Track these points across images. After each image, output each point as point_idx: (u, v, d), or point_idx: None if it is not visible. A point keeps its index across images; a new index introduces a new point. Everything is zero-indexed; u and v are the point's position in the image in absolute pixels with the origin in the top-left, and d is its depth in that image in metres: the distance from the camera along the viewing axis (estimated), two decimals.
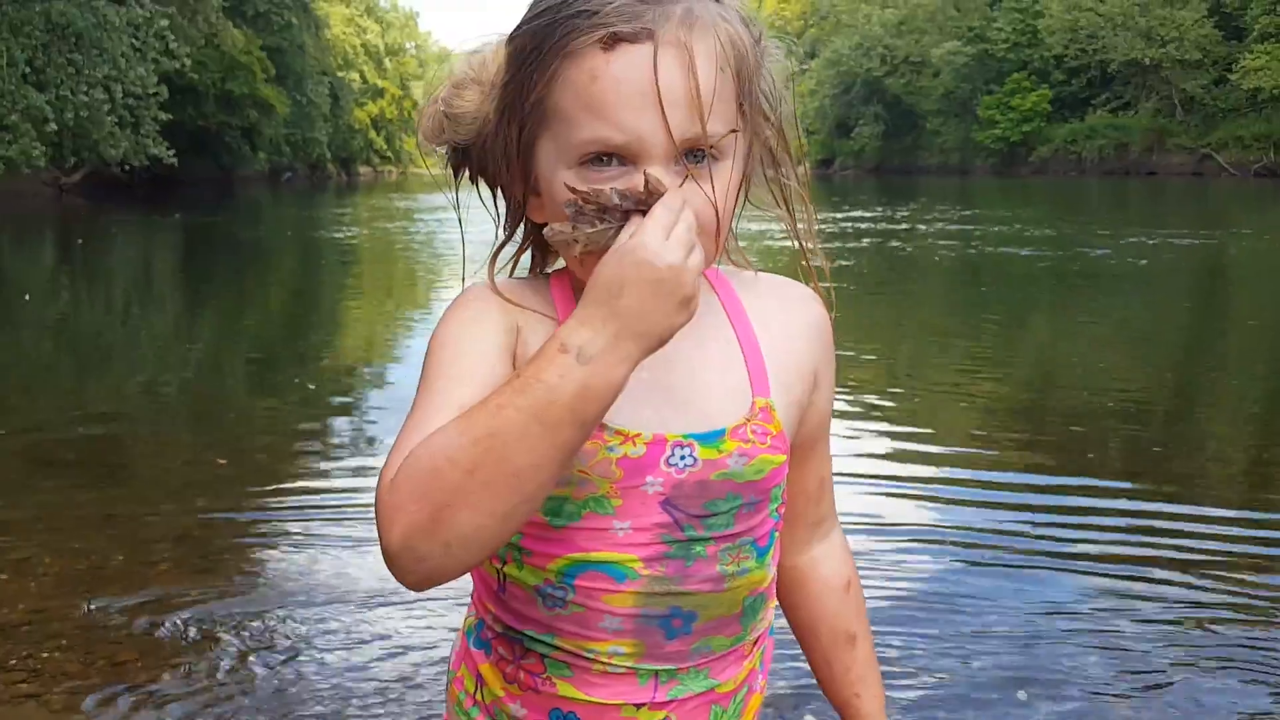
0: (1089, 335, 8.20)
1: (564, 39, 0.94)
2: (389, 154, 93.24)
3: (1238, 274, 12.31)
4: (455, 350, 0.99)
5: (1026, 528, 3.72)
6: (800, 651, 1.23)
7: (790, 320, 1.11)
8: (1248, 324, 9.13)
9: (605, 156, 0.94)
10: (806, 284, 1.14)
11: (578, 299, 0.90)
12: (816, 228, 1.11)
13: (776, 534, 1.09)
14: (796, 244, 1.10)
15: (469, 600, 1.15)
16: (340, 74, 72.93)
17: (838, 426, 5.03)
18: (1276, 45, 48.62)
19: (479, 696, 1.10)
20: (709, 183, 0.95)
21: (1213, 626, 2.94)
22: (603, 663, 1.02)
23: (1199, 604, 3.09)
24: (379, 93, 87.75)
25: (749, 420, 1.04)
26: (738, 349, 1.07)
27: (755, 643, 1.10)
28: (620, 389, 0.86)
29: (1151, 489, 4.16)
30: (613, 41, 0.93)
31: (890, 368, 7.01)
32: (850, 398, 5.72)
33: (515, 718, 1.06)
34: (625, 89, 0.92)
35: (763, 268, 1.15)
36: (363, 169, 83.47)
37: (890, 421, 5.37)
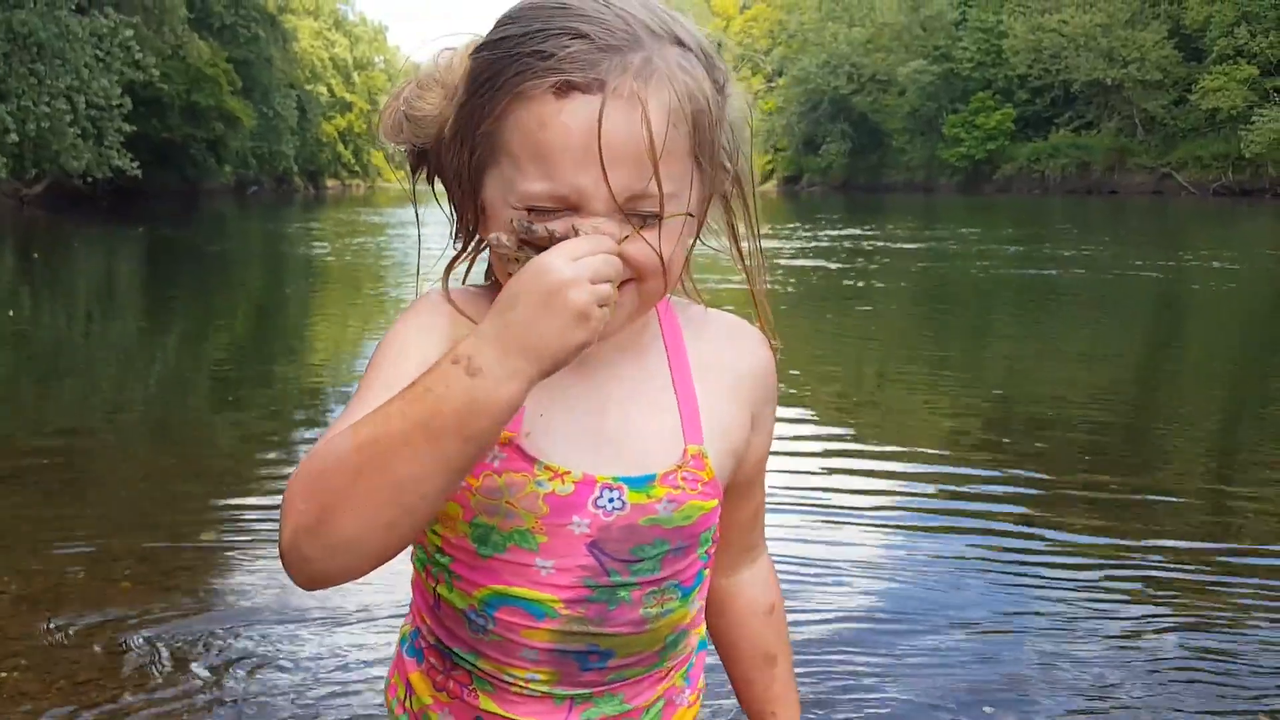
0: (1052, 352, 8.31)
1: (517, 78, 0.92)
2: (357, 168, 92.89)
3: (1196, 293, 12.49)
4: (395, 357, 0.99)
5: (985, 548, 3.76)
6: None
7: (734, 366, 1.10)
8: (1206, 344, 9.27)
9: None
10: (753, 324, 1.14)
11: None
12: (767, 281, 1.11)
13: (705, 573, 1.10)
14: (751, 294, 1.10)
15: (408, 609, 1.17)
16: (308, 87, 72.60)
17: (797, 444, 5.07)
18: (1234, 67, 49.46)
19: (408, 704, 1.11)
20: (654, 234, 0.94)
21: (1174, 643, 2.98)
22: (520, 686, 1.04)
23: (1160, 620, 3.13)
24: (347, 106, 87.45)
25: (680, 467, 1.03)
26: (673, 394, 1.06)
27: (674, 668, 1.11)
28: (513, 406, 0.84)
29: (1111, 506, 4.22)
30: (565, 89, 0.90)
31: (844, 385, 7.05)
32: (806, 414, 5.76)
33: None
34: (571, 140, 0.90)
35: (712, 301, 1.15)
36: (330, 182, 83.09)
37: (845, 439, 5.41)
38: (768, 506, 1.24)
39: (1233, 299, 11.87)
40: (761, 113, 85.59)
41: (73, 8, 29.58)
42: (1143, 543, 3.74)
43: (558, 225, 0.91)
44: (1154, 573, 3.49)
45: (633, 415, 1.04)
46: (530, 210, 0.93)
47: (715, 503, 1.06)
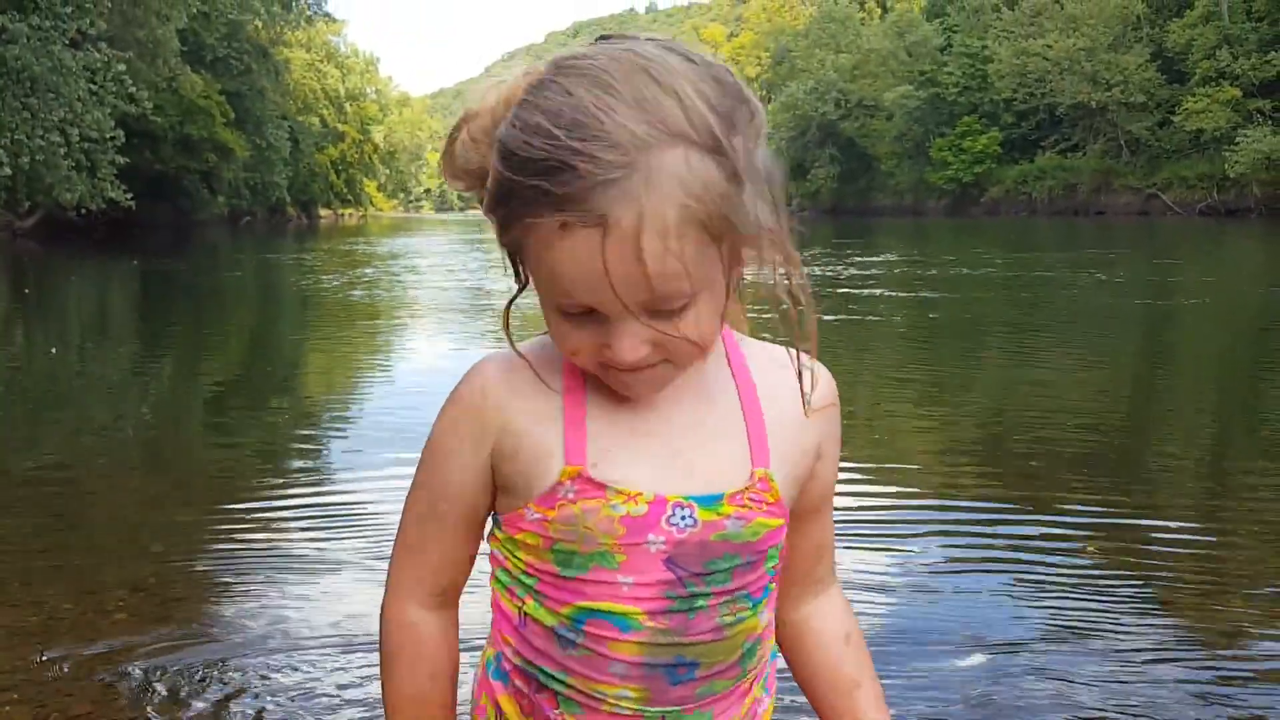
0: (1051, 371, 8.36)
1: (524, 209, 0.95)
2: (349, 197, 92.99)
3: (1184, 310, 12.57)
4: (438, 463, 1.14)
5: (986, 562, 3.77)
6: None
7: (798, 396, 1.13)
8: (1197, 359, 9.33)
9: None
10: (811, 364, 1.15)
11: (583, 374, 1.07)
12: (815, 317, 1.09)
13: (772, 586, 1.14)
14: (795, 340, 1.12)
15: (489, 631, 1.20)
16: (300, 118, 72.79)
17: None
18: (1216, 89, 49.87)
19: None
20: (676, 325, 0.97)
21: (1178, 662, 2.97)
22: (611, 704, 1.07)
23: (1164, 639, 3.13)
24: (339, 137, 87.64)
25: (747, 488, 1.08)
26: (741, 420, 1.10)
27: (754, 679, 1.15)
28: None
29: (1111, 523, 4.22)
30: (567, 226, 0.92)
31: (846, 405, 7.08)
32: None
33: None
34: (580, 270, 0.93)
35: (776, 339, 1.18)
36: (323, 212, 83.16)
37: (845, 459, 5.43)
38: None
39: (1218, 316, 11.95)
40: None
41: (66, 42, 29.69)
42: (1145, 561, 3.75)
43: (588, 338, 1.01)
44: (1157, 590, 3.49)
45: (702, 440, 1.08)
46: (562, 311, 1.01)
47: (781, 522, 1.11)
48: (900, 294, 14.81)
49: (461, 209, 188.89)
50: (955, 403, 7.20)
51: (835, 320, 11.14)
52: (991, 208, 58.78)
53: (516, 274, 1.07)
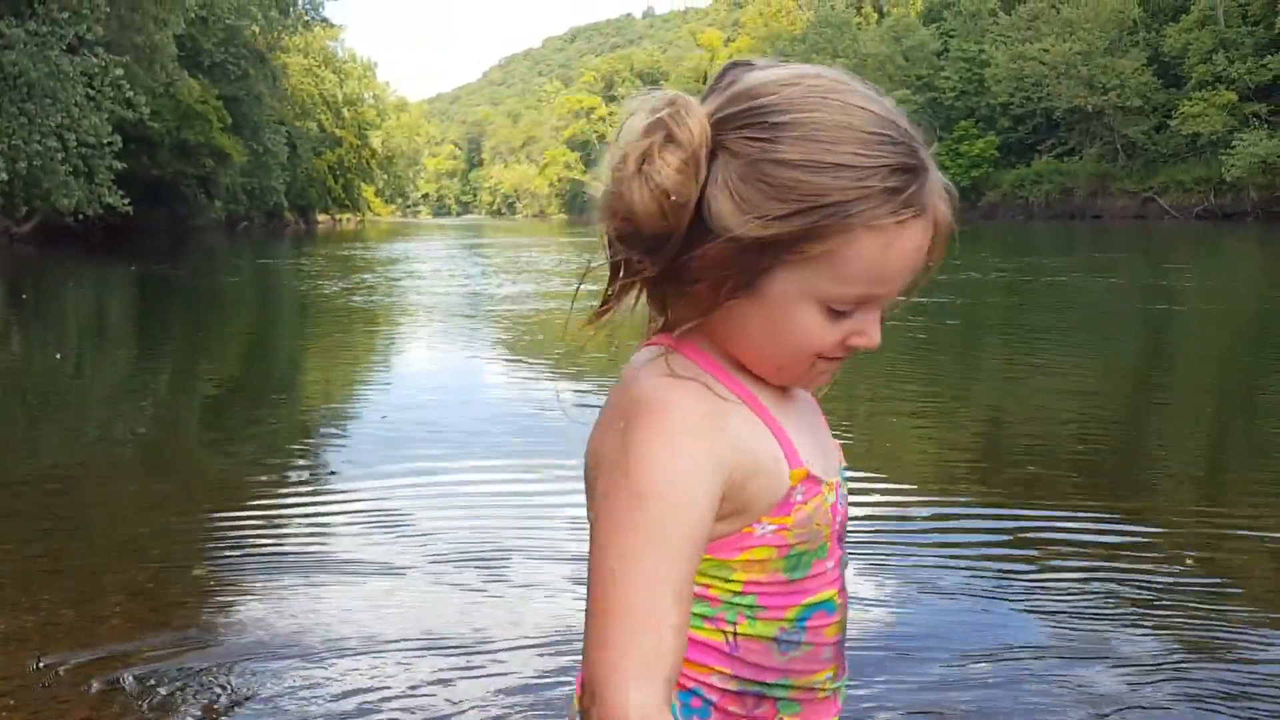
0: (1045, 378, 8.38)
1: (873, 211, 0.98)
2: (347, 202, 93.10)
3: (1181, 312, 12.60)
4: (677, 505, 0.99)
5: (987, 569, 3.79)
6: None
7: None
8: (1197, 360, 9.36)
9: None
10: None
11: (727, 366, 1.06)
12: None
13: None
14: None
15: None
16: (298, 123, 72.80)
17: None
18: (1212, 93, 50.00)
19: None
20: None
21: (1180, 666, 2.98)
22: (822, 689, 1.12)
23: (1161, 649, 3.14)
24: (337, 142, 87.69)
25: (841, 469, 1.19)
26: (809, 400, 1.20)
27: None
28: None
29: (1113, 528, 4.23)
30: (903, 223, 1.00)
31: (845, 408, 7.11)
32: None
33: None
34: (905, 262, 1.02)
35: None
36: (321, 217, 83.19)
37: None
38: None
39: (1217, 319, 11.98)
40: None
41: (64, 48, 29.70)
42: (1140, 567, 3.76)
43: (858, 329, 1.06)
44: (1153, 599, 3.49)
45: (815, 423, 1.17)
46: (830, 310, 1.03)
47: None
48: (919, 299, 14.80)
49: (459, 213, 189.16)
50: (966, 403, 7.22)
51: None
52: (989, 211, 58.88)
53: (647, 254, 1.03)
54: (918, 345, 10.02)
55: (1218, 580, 3.67)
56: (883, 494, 4.84)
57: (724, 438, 1.03)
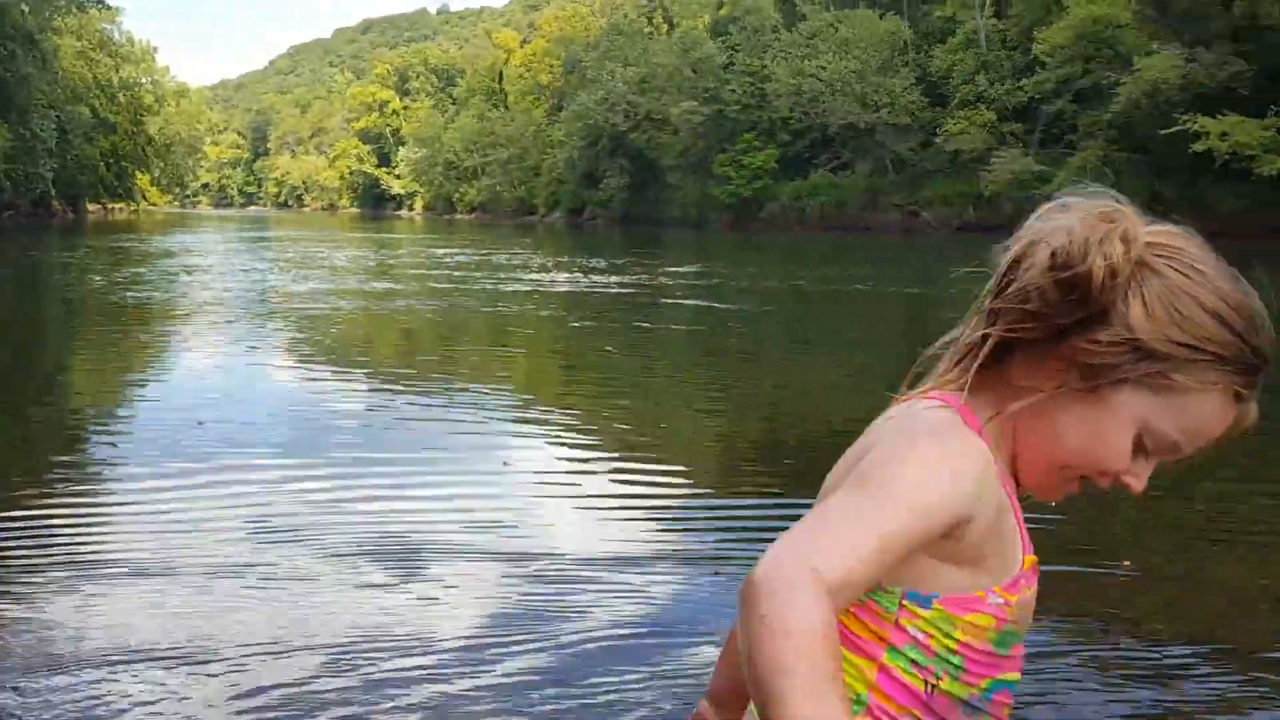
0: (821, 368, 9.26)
1: (1231, 376, 1.08)
2: (120, 191, 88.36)
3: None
4: (941, 491, 1.04)
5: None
6: None
7: None
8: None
9: None
10: None
11: (1004, 464, 1.14)
12: None
13: None
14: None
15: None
16: (69, 108, 68.80)
17: (592, 466, 5.83)
18: (974, 111, 53.21)
19: None
20: None
21: None
22: None
23: None
24: (111, 128, 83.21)
25: None
26: None
27: None
28: None
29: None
30: (1242, 399, 1.11)
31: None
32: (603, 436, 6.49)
33: None
34: (1218, 431, 1.11)
35: None
36: (91, 207, 78.76)
37: (629, 458, 6.08)
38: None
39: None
40: (545, 145, 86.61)
41: None
42: None
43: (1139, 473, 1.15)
44: None
45: None
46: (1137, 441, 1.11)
47: None
48: (713, 304, 15.66)
49: (242, 204, 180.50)
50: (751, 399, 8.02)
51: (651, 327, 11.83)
52: (769, 222, 60.76)
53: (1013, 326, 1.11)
54: (710, 348, 10.83)
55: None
56: (669, 477, 5.49)
57: (996, 487, 1.10)
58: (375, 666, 3.06)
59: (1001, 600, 1.12)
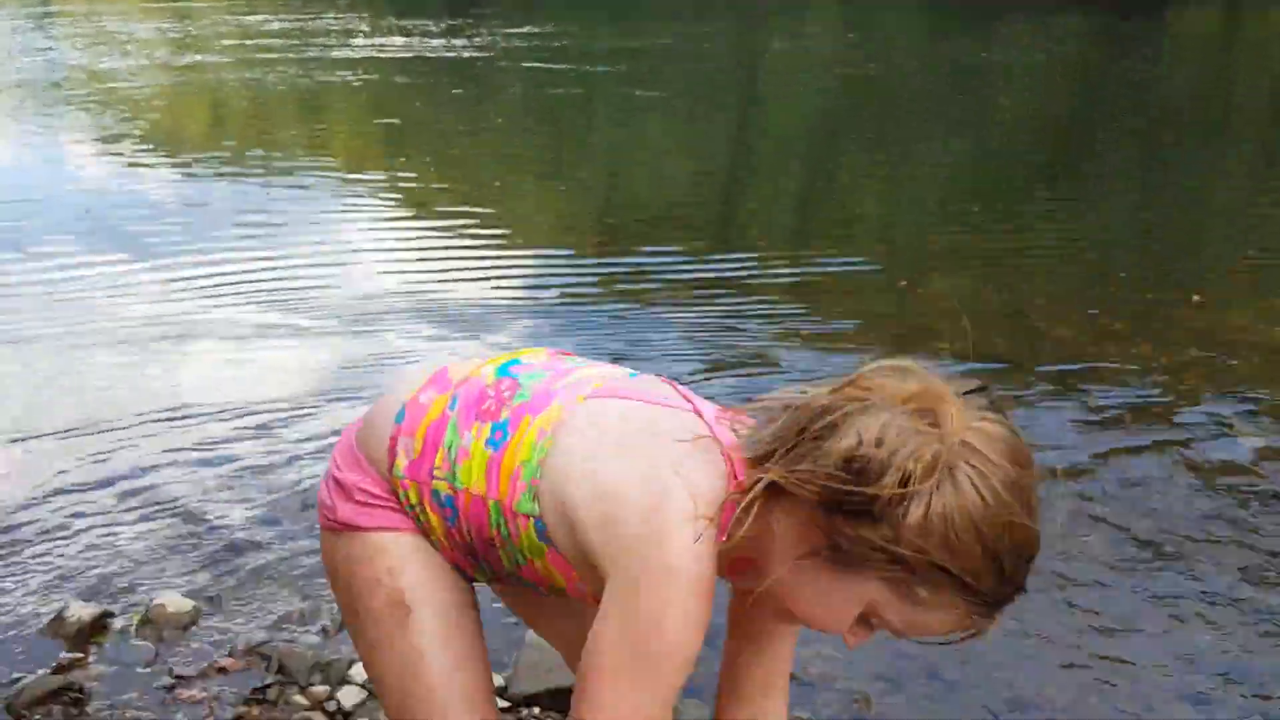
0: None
1: (978, 607, 1.08)
2: None
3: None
4: (676, 664, 1.14)
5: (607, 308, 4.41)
6: None
7: None
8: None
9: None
10: None
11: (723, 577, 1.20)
12: None
13: None
14: None
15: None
16: None
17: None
18: None
19: None
20: None
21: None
22: None
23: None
24: None
25: None
26: None
27: None
28: None
29: (711, 264, 4.96)
30: (980, 618, 1.11)
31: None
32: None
33: None
34: (943, 631, 1.12)
35: None
36: None
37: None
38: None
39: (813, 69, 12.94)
40: None
41: None
42: (729, 296, 4.46)
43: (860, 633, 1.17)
44: (741, 323, 4.20)
45: None
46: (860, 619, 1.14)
47: None
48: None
49: None
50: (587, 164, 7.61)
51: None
52: None
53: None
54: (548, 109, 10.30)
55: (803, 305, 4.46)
56: (511, 245, 5.29)
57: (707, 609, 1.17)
58: None
59: None
